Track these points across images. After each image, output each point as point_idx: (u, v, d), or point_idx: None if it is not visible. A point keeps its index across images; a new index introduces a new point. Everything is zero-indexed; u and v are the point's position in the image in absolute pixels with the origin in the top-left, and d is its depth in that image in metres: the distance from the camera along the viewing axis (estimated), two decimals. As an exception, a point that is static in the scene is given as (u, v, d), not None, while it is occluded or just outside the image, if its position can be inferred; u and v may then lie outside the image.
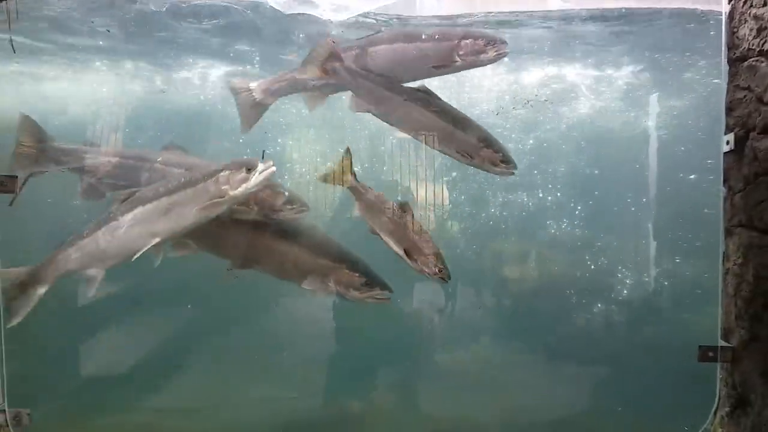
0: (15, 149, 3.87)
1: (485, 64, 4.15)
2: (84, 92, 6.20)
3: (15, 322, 3.58)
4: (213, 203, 3.58)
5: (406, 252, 3.94)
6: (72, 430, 4.02)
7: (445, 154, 4.22)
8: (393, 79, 4.17)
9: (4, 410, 3.43)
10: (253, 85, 4.23)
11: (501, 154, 4.06)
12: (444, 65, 4.04)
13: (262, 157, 3.66)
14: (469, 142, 4.07)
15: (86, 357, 4.72)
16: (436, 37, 4.09)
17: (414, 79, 4.21)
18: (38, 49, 5.53)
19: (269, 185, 3.74)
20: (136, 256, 3.61)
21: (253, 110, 4.24)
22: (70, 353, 4.72)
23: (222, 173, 3.59)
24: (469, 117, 4.22)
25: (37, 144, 3.91)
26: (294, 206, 3.83)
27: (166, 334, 5.33)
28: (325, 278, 3.92)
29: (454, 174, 6.64)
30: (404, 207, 3.99)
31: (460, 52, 3.98)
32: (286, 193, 3.80)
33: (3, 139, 3.93)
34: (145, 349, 5.16)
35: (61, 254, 3.74)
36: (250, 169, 3.57)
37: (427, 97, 4.14)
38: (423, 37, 4.10)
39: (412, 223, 3.98)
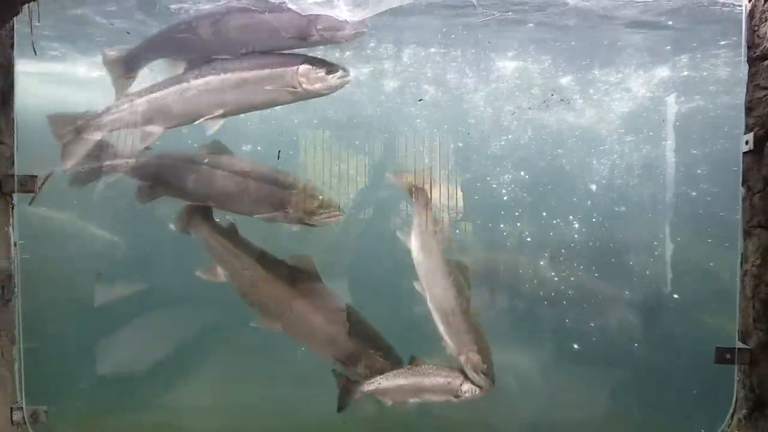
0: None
1: (342, 41, 3.93)
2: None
3: (67, 165, 3.82)
4: (285, 91, 3.68)
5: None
6: (89, 428, 4.05)
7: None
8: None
9: (22, 408, 3.46)
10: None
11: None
12: (301, 38, 3.80)
13: (278, 158, 3.70)
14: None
15: (103, 356, 4.76)
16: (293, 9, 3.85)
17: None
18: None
19: (306, 187, 3.76)
20: (197, 122, 3.73)
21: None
22: (88, 352, 4.76)
23: (303, 65, 3.66)
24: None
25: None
26: (328, 210, 3.81)
27: (184, 333, 5.36)
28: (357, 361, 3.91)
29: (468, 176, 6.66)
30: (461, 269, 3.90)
31: (318, 27, 3.77)
32: (321, 197, 3.79)
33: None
34: (163, 348, 5.20)
35: (126, 103, 3.85)
36: (330, 72, 3.66)
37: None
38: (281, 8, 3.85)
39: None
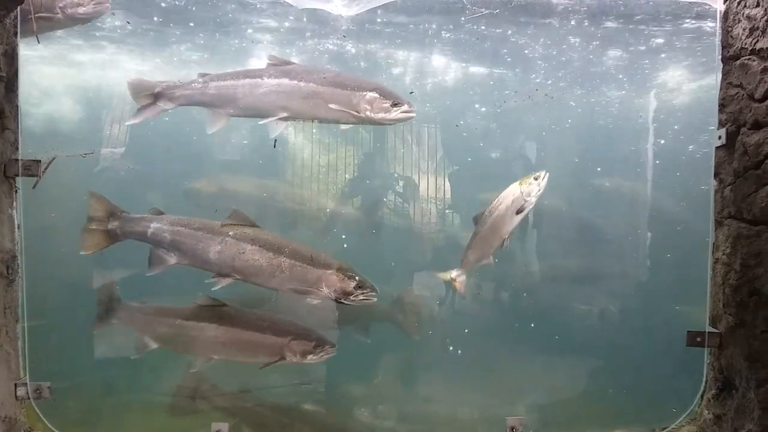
0: (84, 227, 4.01)
1: (83, 17, 4.06)
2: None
3: (134, 121, 4.05)
4: (349, 113, 3.86)
5: None
6: (93, 404, 4.17)
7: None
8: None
9: (26, 383, 3.58)
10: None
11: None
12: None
13: (274, 146, 3.82)
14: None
15: (106, 336, 4.86)
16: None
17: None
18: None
19: (341, 269, 3.88)
20: (261, 122, 3.92)
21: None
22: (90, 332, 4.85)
23: (371, 93, 3.83)
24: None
25: (106, 220, 4.02)
26: (365, 290, 3.90)
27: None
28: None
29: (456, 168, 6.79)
30: None
31: (60, 4, 3.87)
32: (357, 278, 3.89)
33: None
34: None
35: (194, 85, 4.04)
36: (395, 104, 3.84)
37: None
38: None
39: None
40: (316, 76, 3.97)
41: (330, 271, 3.84)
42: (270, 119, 3.95)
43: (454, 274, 4.75)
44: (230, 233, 3.91)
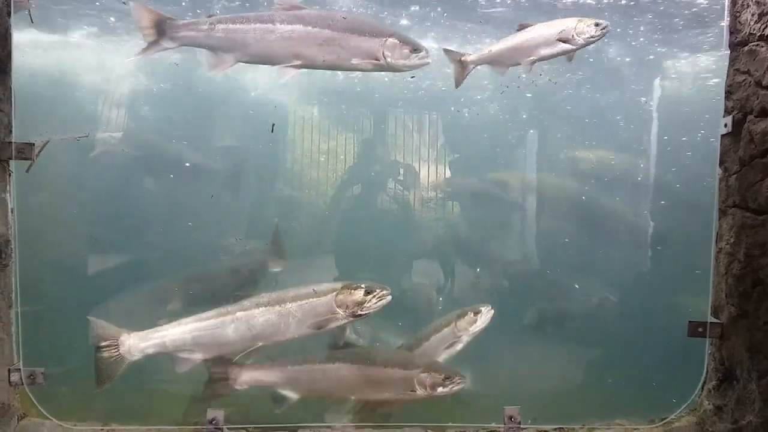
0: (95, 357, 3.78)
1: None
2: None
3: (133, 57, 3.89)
4: (368, 60, 3.79)
5: None
6: (87, 390, 4.13)
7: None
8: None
9: (19, 369, 3.55)
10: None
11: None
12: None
13: (272, 130, 3.75)
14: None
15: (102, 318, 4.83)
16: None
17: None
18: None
19: (345, 285, 3.87)
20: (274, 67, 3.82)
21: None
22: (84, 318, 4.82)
23: (391, 39, 3.77)
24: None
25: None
26: (375, 293, 3.85)
27: (175, 302, 5.42)
28: None
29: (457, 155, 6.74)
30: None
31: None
32: (362, 287, 3.85)
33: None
34: (158, 316, 5.26)
35: (206, 25, 3.83)
36: (414, 50, 3.80)
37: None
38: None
39: None
40: (332, 21, 3.81)
41: (335, 293, 3.85)
42: (278, 66, 3.81)
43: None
44: (237, 313, 3.92)
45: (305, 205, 6.69)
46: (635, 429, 3.66)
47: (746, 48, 3.50)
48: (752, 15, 3.45)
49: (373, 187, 6.46)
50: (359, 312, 3.81)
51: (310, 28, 3.79)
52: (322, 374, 4.12)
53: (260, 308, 3.88)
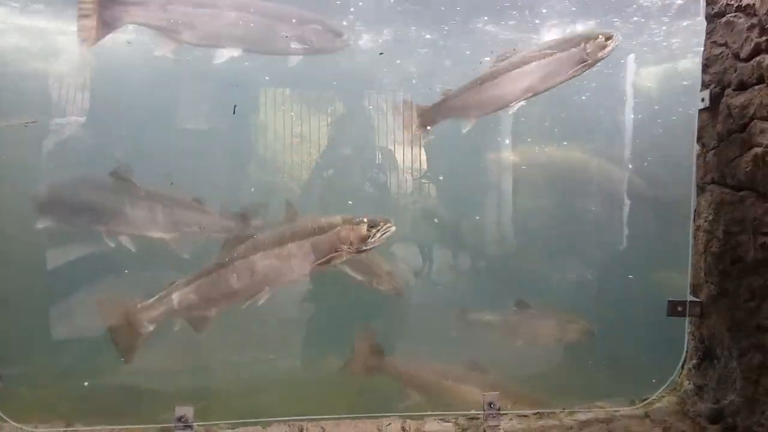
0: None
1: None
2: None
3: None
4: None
5: None
6: (47, 392, 3.98)
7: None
8: None
9: (-25, 371, 3.38)
10: None
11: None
12: None
13: (234, 112, 3.62)
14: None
15: (61, 318, 4.65)
16: None
17: None
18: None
19: (346, 220, 3.75)
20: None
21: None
22: (44, 315, 4.64)
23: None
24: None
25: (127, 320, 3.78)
26: (379, 226, 3.74)
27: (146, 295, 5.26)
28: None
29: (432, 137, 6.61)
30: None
31: None
32: (366, 219, 3.74)
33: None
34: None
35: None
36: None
37: None
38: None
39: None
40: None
41: (337, 229, 3.72)
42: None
43: None
44: (236, 261, 3.80)
45: (279, 190, 6.52)
46: (616, 411, 3.61)
47: (723, 19, 3.41)
48: (729, -15, 3.36)
49: (349, 171, 6.32)
50: (364, 247, 3.70)
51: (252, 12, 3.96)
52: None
53: (259, 253, 3.76)
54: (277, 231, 3.86)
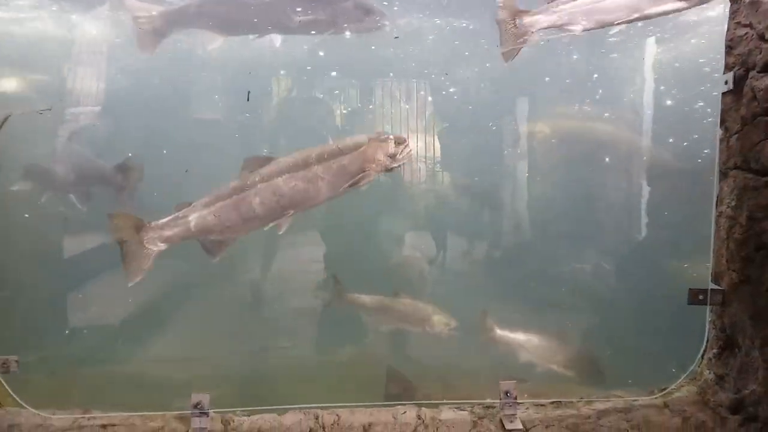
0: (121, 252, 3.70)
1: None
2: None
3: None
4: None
5: None
6: (62, 379, 4.00)
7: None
8: None
9: (-8, 357, 3.39)
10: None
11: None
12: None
13: (248, 99, 3.58)
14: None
15: (74, 307, 4.68)
16: None
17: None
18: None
19: (372, 138, 3.64)
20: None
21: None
22: (58, 303, 4.67)
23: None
24: None
25: (137, 235, 3.72)
26: (402, 142, 3.66)
27: (157, 284, 5.28)
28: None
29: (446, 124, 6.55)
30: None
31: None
32: (390, 135, 3.65)
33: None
34: (135, 300, 5.12)
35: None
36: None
37: None
38: None
39: None
40: None
41: (363, 148, 3.62)
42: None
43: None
44: (259, 184, 3.66)
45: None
46: (634, 400, 3.55)
47: (748, 0, 3.31)
48: (754, -37, 3.25)
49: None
50: (392, 165, 3.62)
51: None
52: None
53: (284, 176, 3.63)
54: (301, 153, 3.71)
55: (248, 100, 3.62)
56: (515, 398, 3.46)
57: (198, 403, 3.42)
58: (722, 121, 3.51)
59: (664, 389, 3.68)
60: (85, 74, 5.12)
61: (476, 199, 6.65)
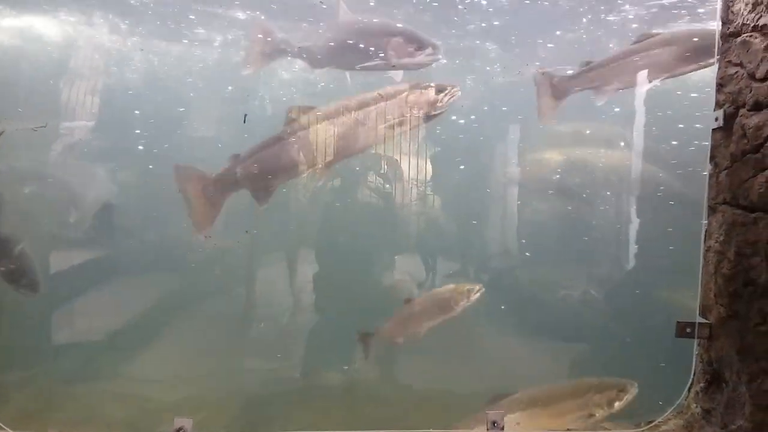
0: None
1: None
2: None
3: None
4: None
5: None
6: (47, 398, 3.93)
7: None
8: None
9: (-27, 376, 3.33)
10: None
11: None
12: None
13: (244, 121, 3.62)
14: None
15: (62, 324, 4.61)
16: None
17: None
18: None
19: (414, 85, 3.66)
20: None
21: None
22: (45, 320, 4.60)
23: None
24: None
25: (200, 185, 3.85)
26: (447, 91, 3.67)
27: (144, 303, 5.23)
28: None
29: (438, 149, 6.57)
30: None
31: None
32: (432, 84, 3.67)
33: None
34: (123, 318, 5.07)
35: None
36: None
37: None
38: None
39: None
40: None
41: (405, 94, 3.67)
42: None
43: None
44: (299, 132, 3.71)
45: (286, 198, 6.49)
46: (621, 433, 3.55)
47: (739, 39, 3.37)
48: (746, 4, 3.33)
49: (354, 181, 6.28)
50: (434, 112, 3.63)
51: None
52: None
53: (323, 122, 3.66)
54: (342, 100, 3.75)
55: (245, 122, 3.66)
56: (502, 429, 3.44)
57: (180, 428, 3.37)
58: (712, 157, 3.56)
59: (651, 422, 3.67)
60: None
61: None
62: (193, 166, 3.84)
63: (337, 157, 3.70)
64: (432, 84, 3.66)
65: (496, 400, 4.02)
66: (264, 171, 3.74)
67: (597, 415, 3.80)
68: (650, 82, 4.07)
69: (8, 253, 4.01)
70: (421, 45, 3.78)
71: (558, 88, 4.23)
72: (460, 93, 3.67)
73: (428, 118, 3.65)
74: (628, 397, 3.85)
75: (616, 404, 3.82)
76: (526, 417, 3.86)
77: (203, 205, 3.75)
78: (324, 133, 3.63)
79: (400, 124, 3.62)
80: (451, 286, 5.10)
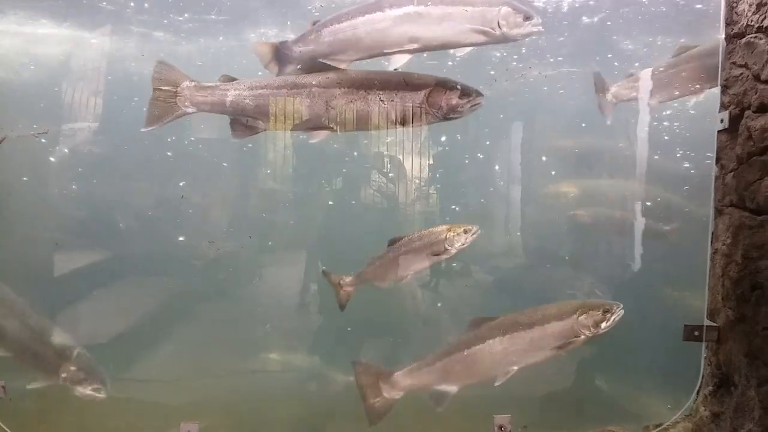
0: (151, 97, 3.57)
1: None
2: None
3: None
4: (483, 31, 3.48)
5: None
6: (49, 403, 3.93)
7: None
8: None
9: (-21, 383, 3.33)
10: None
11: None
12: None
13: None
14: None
15: (62, 329, 4.61)
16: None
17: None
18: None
19: (439, 82, 3.52)
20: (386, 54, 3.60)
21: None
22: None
23: (505, 8, 3.49)
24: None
25: (174, 88, 3.59)
26: (470, 97, 3.53)
27: (147, 305, 5.23)
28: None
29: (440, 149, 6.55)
30: None
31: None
32: (459, 87, 3.51)
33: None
34: (124, 322, 5.07)
35: (313, 34, 3.67)
36: (527, 18, 3.52)
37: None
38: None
39: None
40: None
41: (428, 89, 3.51)
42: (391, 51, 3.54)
43: (346, 280, 4.38)
44: (314, 82, 3.57)
45: (289, 199, 6.48)
46: (630, 437, 3.53)
47: (743, 40, 3.35)
48: (750, 5, 3.31)
49: (357, 181, 6.27)
50: (451, 116, 3.53)
51: (422, 7, 3.51)
52: (475, 357, 3.86)
53: (342, 89, 3.54)
54: (367, 73, 3.67)
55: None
56: (509, 433, 3.43)
57: (187, 434, 3.38)
58: (718, 159, 3.54)
59: (659, 425, 3.65)
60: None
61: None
62: None
63: (340, 129, 3.59)
64: (458, 86, 3.50)
65: (475, 324, 3.94)
66: (256, 109, 3.60)
67: (582, 337, 3.70)
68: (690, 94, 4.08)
69: (67, 357, 4.07)
70: (528, 16, 3.52)
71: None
72: (483, 103, 3.53)
73: (446, 119, 3.54)
74: (615, 318, 3.69)
75: (603, 325, 3.68)
76: (508, 341, 3.82)
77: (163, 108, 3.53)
78: (340, 98, 3.53)
79: (414, 119, 3.51)
80: (445, 226, 4.87)
